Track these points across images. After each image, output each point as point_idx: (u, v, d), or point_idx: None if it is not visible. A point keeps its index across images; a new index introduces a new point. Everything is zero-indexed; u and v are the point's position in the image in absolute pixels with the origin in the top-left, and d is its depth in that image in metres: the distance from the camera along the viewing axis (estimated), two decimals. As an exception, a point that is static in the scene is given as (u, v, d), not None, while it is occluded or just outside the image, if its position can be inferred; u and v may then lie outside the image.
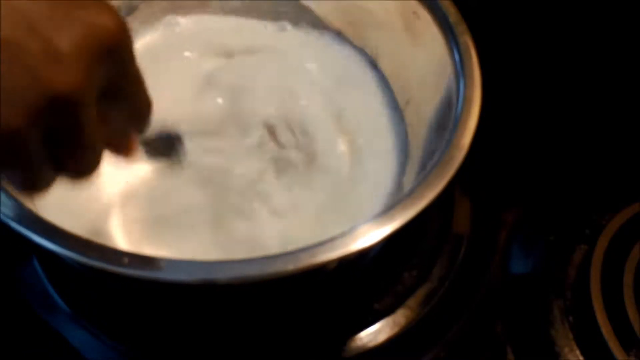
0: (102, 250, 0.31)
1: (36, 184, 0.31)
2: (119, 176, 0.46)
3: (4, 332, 0.46)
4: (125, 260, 0.31)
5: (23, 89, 0.26)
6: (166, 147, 0.42)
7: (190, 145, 0.45)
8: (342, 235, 0.34)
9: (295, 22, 0.56)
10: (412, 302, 0.48)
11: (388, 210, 0.35)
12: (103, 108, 0.31)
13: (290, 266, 0.32)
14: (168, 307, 0.46)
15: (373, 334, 0.47)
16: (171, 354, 0.45)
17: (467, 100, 0.41)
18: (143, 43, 0.54)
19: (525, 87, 0.59)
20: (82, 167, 0.32)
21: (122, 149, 0.35)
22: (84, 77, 0.28)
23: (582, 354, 0.46)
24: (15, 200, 0.34)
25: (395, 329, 0.47)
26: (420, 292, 0.49)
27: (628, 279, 0.47)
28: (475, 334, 0.48)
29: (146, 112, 0.35)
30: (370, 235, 0.34)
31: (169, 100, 0.41)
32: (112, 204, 0.45)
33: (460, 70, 0.43)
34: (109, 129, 0.32)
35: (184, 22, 0.56)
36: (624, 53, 0.57)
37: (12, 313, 0.47)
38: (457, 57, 0.44)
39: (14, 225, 0.33)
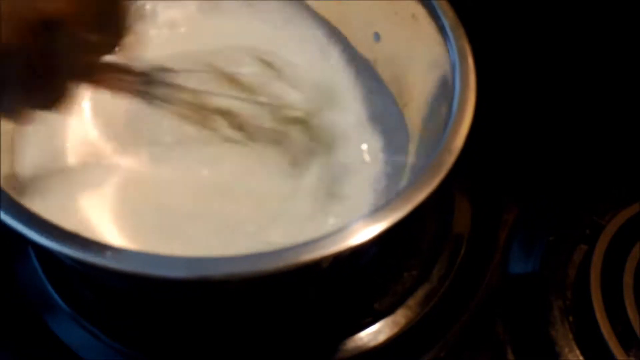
0: (86, 243, 0.31)
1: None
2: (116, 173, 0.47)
3: (3, 332, 0.46)
4: (108, 253, 0.30)
5: (22, 11, 0.31)
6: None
7: None
8: (334, 232, 0.34)
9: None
10: (412, 302, 0.48)
11: (377, 210, 0.35)
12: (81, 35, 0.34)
13: (282, 263, 0.32)
14: (167, 306, 0.46)
15: (373, 334, 0.47)
16: (171, 354, 0.45)
17: (461, 104, 0.41)
18: None
19: (524, 89, 0.59)
20: (49, 96, 0.35)
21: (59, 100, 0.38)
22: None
23: (582, 354, 0.46)
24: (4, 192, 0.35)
25: (395, 329, 0.47)
26: (420, 292, 0.49)
27: (628, 279, 0.47)
28: (475, 334, 0.48)
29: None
30: (361, 233, 0.34)
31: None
32: (110, 200, 0.46)
33: (456, 75, 0.43)
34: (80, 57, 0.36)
35: None
36: (624, 53, 0.56)
37: (11, 313, 0.47)
38: (453, 60, 0.44)
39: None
